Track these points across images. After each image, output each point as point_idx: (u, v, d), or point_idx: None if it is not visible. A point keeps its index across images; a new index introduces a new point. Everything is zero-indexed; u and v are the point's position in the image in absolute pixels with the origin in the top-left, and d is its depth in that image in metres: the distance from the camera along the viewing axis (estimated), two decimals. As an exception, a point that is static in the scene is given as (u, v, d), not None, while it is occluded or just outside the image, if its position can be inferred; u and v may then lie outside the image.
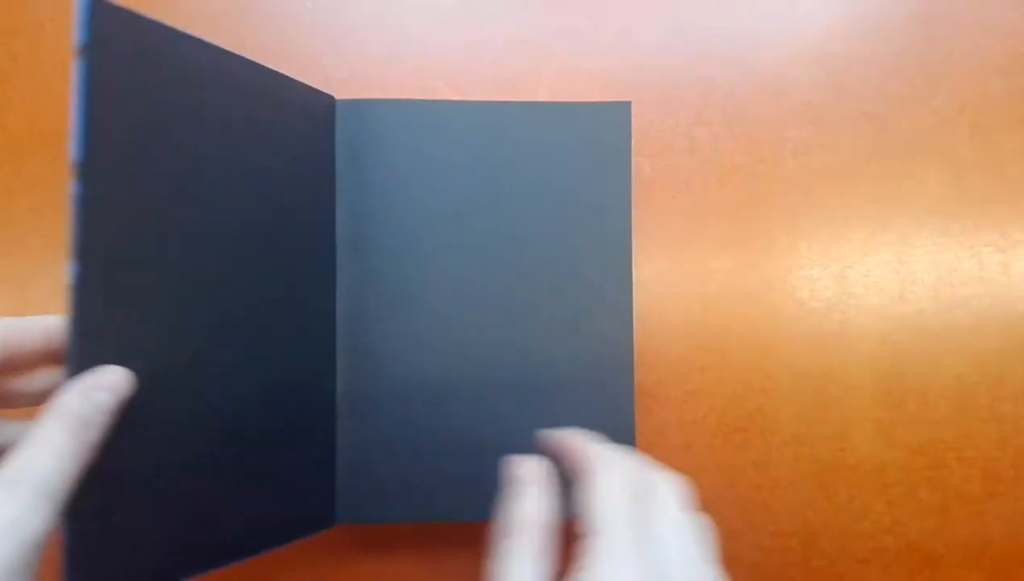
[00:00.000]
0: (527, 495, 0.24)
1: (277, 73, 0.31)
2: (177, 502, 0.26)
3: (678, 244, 0.37)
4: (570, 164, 0.34)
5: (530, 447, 0.33)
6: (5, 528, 0.19)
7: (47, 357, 0.25)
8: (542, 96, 0.38)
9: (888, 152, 0.37)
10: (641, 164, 0.38)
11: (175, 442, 0.26)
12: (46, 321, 0.25)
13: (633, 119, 0.37)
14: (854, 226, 0.37)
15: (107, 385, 0.23)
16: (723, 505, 0.36)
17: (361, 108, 0.34)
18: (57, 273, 0.25)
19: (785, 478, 0.36)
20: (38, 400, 0.26)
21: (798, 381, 0.37)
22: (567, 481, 0.26)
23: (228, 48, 0.29)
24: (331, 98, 0.34)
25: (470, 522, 0.32)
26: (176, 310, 0.26)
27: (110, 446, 0.23)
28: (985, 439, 0.36)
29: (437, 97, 0.38)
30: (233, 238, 0.28)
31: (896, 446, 0.36)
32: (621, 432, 0.33)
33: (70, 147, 0.23)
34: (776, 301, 0.37)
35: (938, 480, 0.36)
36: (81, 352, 0.23)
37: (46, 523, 0.20)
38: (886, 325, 0.37)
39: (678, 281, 0.37)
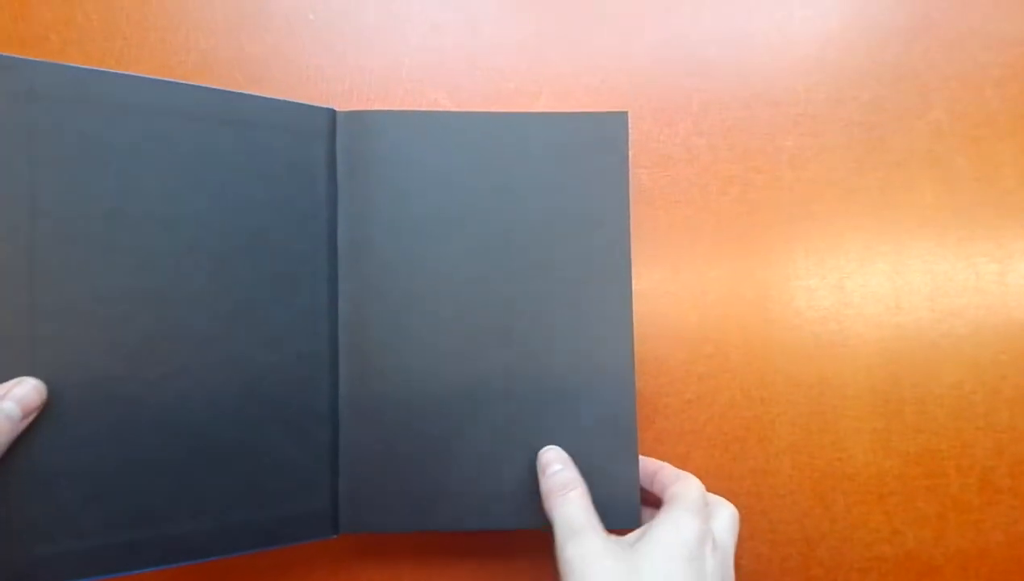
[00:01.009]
0: (559, 469, 0.31)
1: (251, 96, 0.33)
2: (117, 499, 0.28)
3: (676, 254, 0.38)
4: (568, 174, 0.34)
5: (531, 457, 0.33)
6: None
7: None
8: (541, 106, 0.38)
9: (884, 162, 0.38)
10: (639, 174, 0.38)
11: (115, 442, 0.29)
12: None
13: (631, 129, 0.38)
14: (851, 236, 0.37)
15: (16, 396, 0.25)
16: (721, 514, 0.36)
17: (362, 119, 0.34)
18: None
19: (783, 487, 0.36)
20: None
21: (796, 390, 0.37)
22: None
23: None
24: (330, 112, 0.34)
25: (472, 532, 0.32)
26: (114, 324, 0.29)
27: (46, 443, 0.26)
28: (982, 448, 0.37)
29: (437, 108, 0.38)
30: (188, 253, 0.31)
31: (894, 455, 0.37)
32: (623, 441, 0.33)
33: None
34: (774, 311, 0.37)
35: (936, 489, 0.36)
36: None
37: None
38: (883, 334, 0.37)
39: (676, 290, 0.37)
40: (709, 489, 0.36)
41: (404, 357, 0.33)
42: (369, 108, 0.35)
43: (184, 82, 0.31)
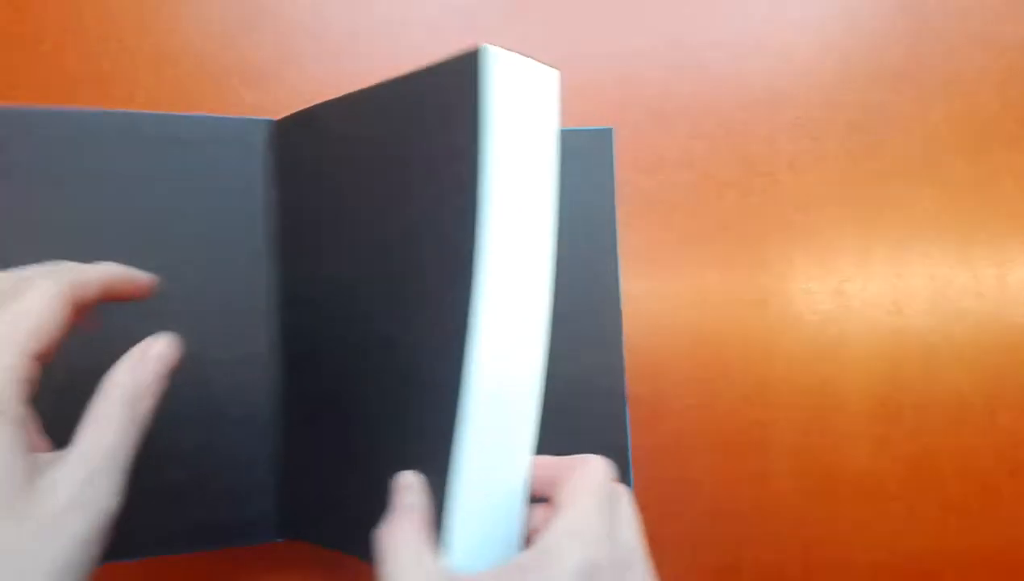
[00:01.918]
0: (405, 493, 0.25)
1: (181, 116, 0.35)
2: None
3: (674, 258, 0.37)
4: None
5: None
6: (79, 506, 0.20)
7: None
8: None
9: (883, 166, 0.38)
10: (637, 178, 0.38)
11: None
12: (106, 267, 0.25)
13: (628, 133, 0.38)
14: (850, 240, 0.37)
15: (155, 355, 0.23)
16: (721, 518, 0.36)
17: (301, 119, 0.33)
18: None
19: (783, 491, 0.36)
20: None
21: (795, 394, 0.37)
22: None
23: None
24: (269, 123, 0.34)
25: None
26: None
27: None
28: (982, 452, 0.36)
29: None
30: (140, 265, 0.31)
31: (893, 459, 0.36)
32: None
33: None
34: (773, 315, 0.37)
35: (935, 493, 0.36)
36: None
37: (116, 497, 0.20)
38: (882, 338, 0.37)
39: (675, 295, 0.37)
40: (709, 494, 0.36)
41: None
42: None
43: (122, 110, 0.34)
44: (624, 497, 0.24)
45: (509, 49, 0.26)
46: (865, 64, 0.38)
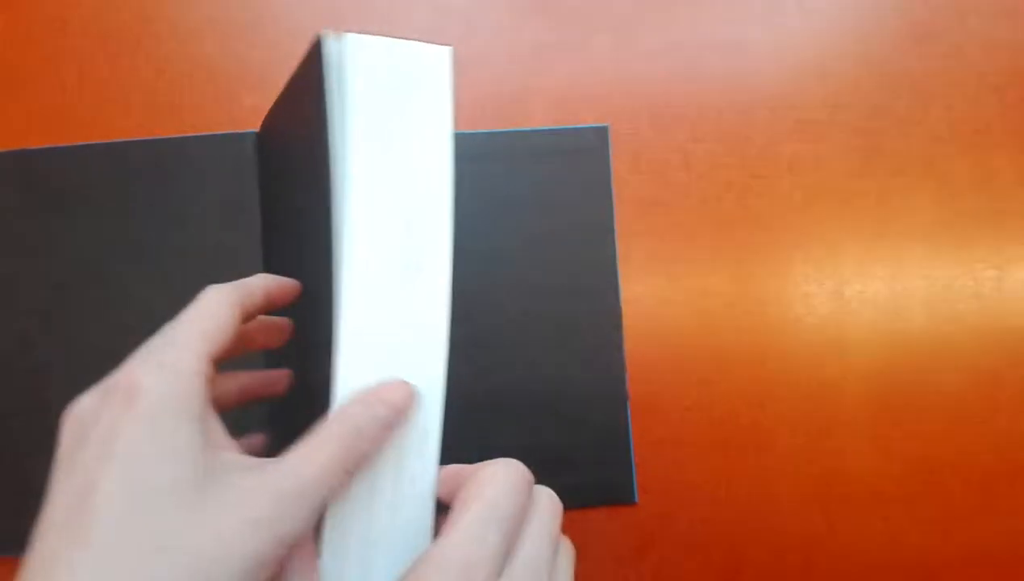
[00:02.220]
0: None
1: (174, 138, 0.37)
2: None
3: (674, 260, 0.38)
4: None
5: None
6: (255, 524, 0.18)
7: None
8: (537, 114, 0.38)
9: (883, 169, 0.38)
10: (637, 181, 0.38)
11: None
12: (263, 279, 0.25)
13: (628, 136, 0.38)
14: (849, 242, 0.37)
15: (389, 400, 0.21)
16: (721, 520, 0.36)
17: None
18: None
19: (782, 493, 0.36)
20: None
21: (795, 396, 0.37)
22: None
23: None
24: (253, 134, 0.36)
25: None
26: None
27: None
28: (982, 454, 0.37)
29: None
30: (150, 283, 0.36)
31: (893, 461, 0.37)
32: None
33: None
34: (772, 317, 0.37)
35: (935, 495, 0.36)
36: None
37: (297, 526, 0.18)
38: (882, 340, 0.37)
39: (675, 296, 0.37)
40: (708, 496, 0.36)
41: None
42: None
43: (120, 141, 0.37)
44: (539, 508, 0.21)
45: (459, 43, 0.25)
46: (865, 66, 0.38)
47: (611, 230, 0.35)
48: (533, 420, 0.34)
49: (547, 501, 0.21)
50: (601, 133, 0.35)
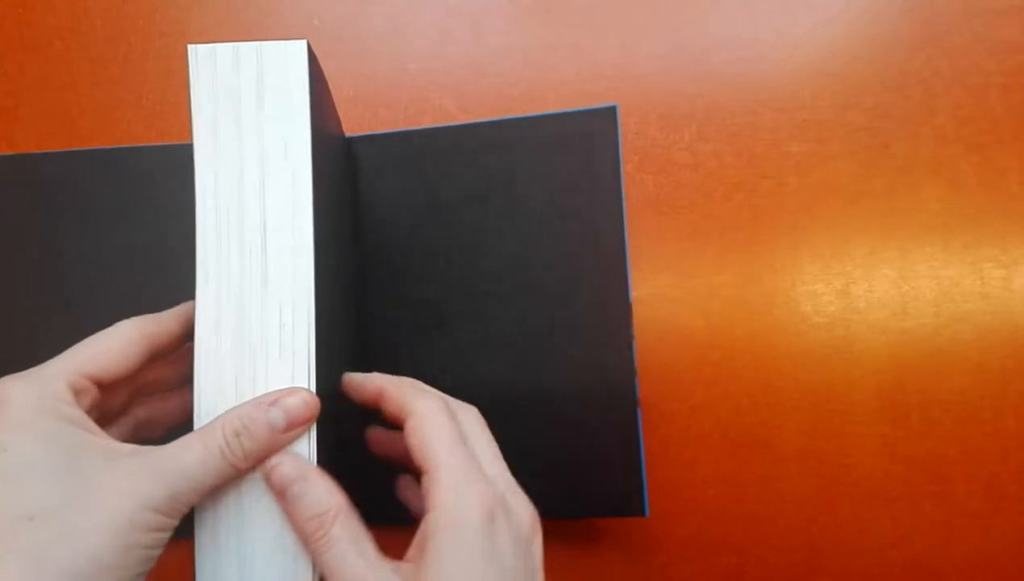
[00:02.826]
0: (306, 490, 0.23)
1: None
2: None
3: (682, 260, 0.38)
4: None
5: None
6: (121, 495, 0.20)
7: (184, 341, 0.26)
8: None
9: (889, 169, 0.38)
10: (644, 180, 0.38)
11: None
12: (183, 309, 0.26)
13: (636, 135, 0.38)
14: (856, 242, 0.37)
15: (283, 404, 0.23)
16: (728, 520, 0.36)
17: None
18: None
19: (790, 493, 0.36)
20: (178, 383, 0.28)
21: (802, 396, 0.37)
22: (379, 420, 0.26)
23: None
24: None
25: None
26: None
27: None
28: (988, 454, 0.36)
29: (443, 114, 0.38)
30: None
31: (900, 461, 0.37)
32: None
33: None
34: (780, 316, 0.37)
35: (942, 495, 0.36)
36: None
37: (167, 500, 0.21)
38: (889, 340, 0.37)
39: (682, 296, 0.37)
40: (715, 496, 0.36)
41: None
42: (373, 115, 0.35)
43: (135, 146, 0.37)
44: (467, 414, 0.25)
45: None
46: (872, 66, 0.38)
47: (621, 216, 0.34)
48: (537, 424, 0.33)
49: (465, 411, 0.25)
50: (610, 114, 0.35)
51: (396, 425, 0.25)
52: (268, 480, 0.23)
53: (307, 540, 0.22)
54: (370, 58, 0.39)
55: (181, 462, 0.21)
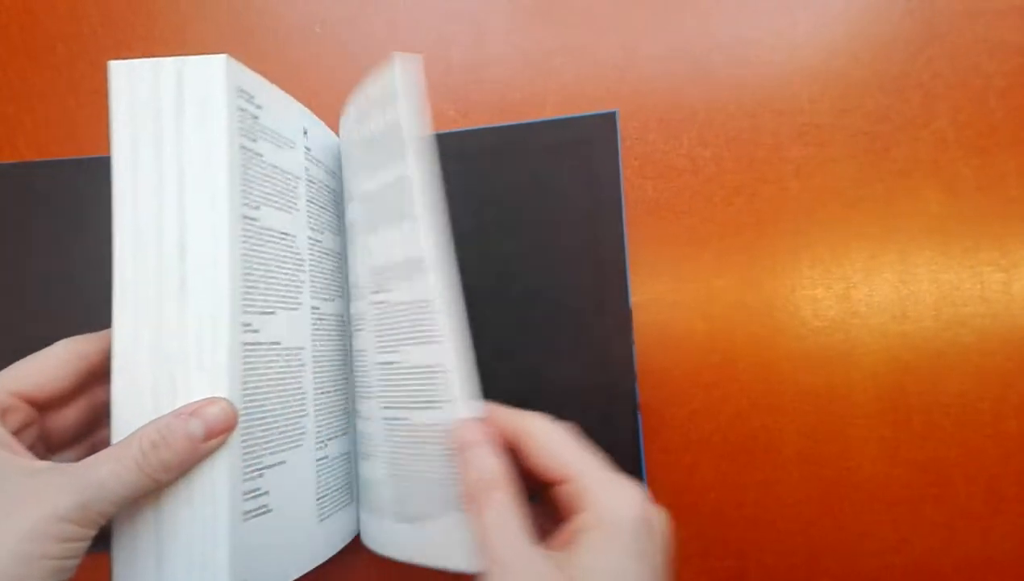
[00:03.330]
0: (480, 455, 0.24)
1: None
2: None
3: (682, 264, 0.38)
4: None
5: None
6: (33, 502, 0.21)
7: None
8: (546, 116, 0.38)
9: (889, 172, 0.38)
10: (644, 185, 0.38)
11: None
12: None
13: (635, 140, 0.38)
14: (856, 246, 0.37)
15: (203, 414, 0.24)
16: (728, 524, 0.36)
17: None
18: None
19: (790, 496, 0.36)
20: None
21: (802, 400, 0.37)
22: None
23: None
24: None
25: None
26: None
27: None
28: (989, 456, 0.37)
29: (443, 120, 0.38)
30: None
31: (901, 464, 0.37)
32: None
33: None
34: (780, 320, 0.37)
35: (943, 498, 0.36)
36: None
37: (71, 517, 0.21)
38: (889, 343, 0.37)
39: (682, 300, 0.37)
40: (716, 500, 0.36)
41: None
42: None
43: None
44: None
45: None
46: (871, 70, 0.38)
47: (620, 221, 0.35)
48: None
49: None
50: (609, 120, 0.35)
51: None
52: (452, 437, 0.25)
53: (471, 499, 0.23)
54: (371, 63, 0.39)
55: (95, 474, 0.22)
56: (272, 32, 0.39)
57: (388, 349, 0.28)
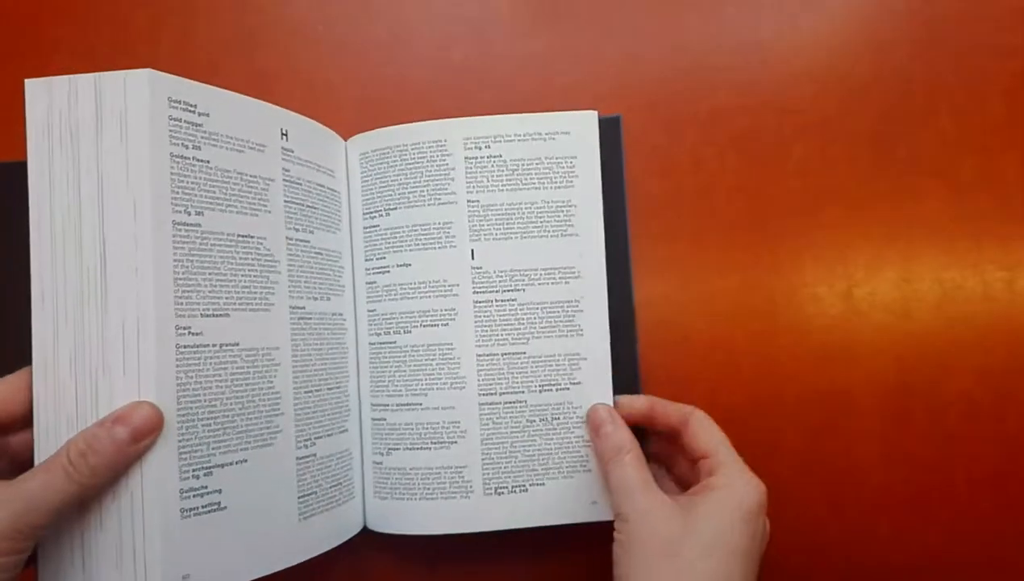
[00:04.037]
0: (614, 428, 0.32)
1: None
2: None
3: (685, 262, 0.38)
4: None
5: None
6: None
7: None
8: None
9: (892, 171, 0.38)
10: (648, 183, 0.38)
11: None
12: None
13: (640, 139, 0.38)
14: (859, 245, 0.38)
15: (128, 420, 0.24)
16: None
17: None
18: None
19: (793, 495, 0.36)
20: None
21: (805, 399, 0.37)
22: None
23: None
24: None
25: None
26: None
27: None
28: (991, 455, 0.37)
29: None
30: None
31: (903, 463, 0.37)
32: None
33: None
34: (783, 319, 0.37)
35: (945, 497, 0.36)
36: None
37: (3, 533, 0.22)
38: (892, 342, 0.37)
39: (685, 299, 0.37)
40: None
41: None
42: (377, 119, 0.35)
43: None
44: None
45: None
46: (874, 69, 0.38)
47: (624, 219, 0.35)
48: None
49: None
50: (614, 124, 0.35)
51: (663, 431, 0.33)
52: (587, 418, 0.33)
53: (606, 463, 0.31)
54: (374, 64, 0.39)
55: (25, 488, 0.22)
56: (275, 33, 0.39)
57: (510, 341, 0.33)
